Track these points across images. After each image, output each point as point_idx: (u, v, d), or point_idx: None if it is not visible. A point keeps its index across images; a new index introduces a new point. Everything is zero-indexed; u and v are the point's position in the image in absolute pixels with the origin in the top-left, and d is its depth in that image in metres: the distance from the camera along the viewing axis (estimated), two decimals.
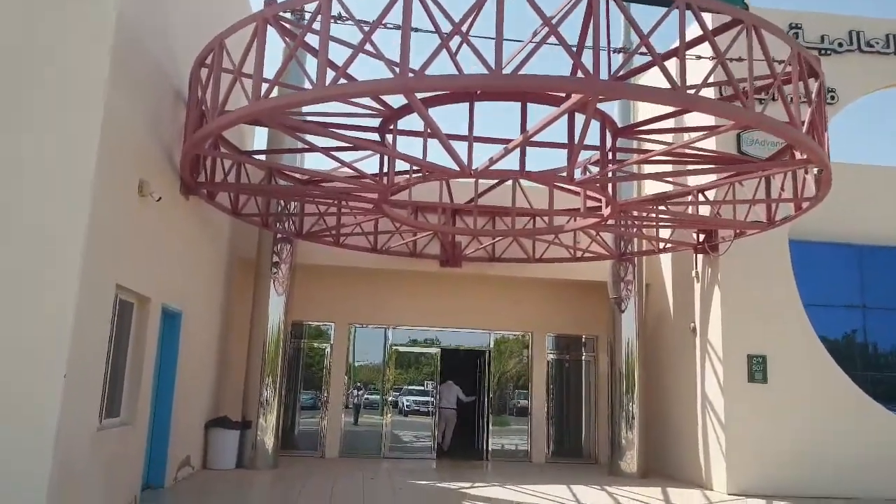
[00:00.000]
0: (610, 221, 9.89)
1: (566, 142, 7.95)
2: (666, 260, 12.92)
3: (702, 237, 11.27)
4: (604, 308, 13.85)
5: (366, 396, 13.90)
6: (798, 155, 7.97)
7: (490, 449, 13.71)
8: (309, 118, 9.36)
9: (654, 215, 10.71)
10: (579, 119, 7.53)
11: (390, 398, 13.79)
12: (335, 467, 11.68)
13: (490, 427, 13.84)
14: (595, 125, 7.95)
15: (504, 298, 14.12)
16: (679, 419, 12.00)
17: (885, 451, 10.56)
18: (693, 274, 11.65)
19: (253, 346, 11.66)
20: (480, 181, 9.96)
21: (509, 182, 9.64)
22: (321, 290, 13.66)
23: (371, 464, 12.33)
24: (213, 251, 11.01)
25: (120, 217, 6.81)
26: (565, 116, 7.49)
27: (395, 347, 13.99)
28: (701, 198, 10.75)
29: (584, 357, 14.38)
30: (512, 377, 14.40)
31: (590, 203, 10.17)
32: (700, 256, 11.54)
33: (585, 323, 14.22)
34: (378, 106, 8.05)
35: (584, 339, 14.41)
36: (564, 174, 8.04)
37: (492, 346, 14.21)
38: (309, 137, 8.78)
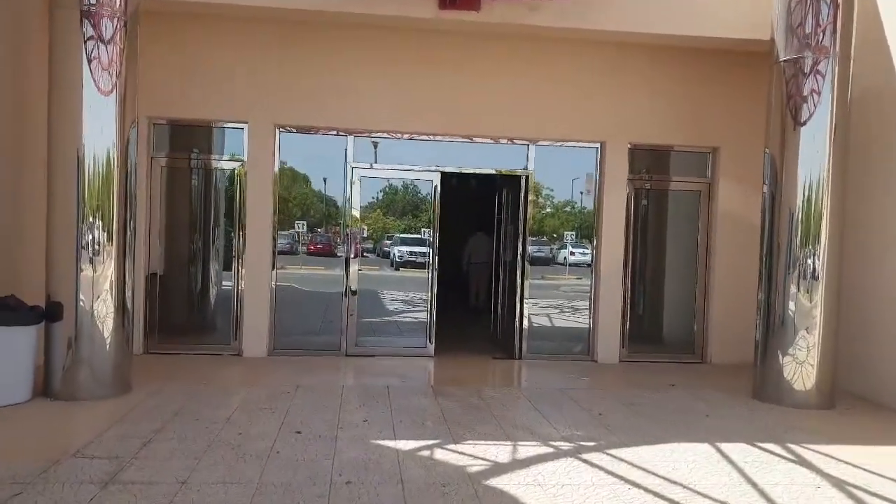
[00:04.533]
0: None
1: None
2: None
3: None
4: (733, 98, 7.82)
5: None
6: None
7: (524, 336, 8.09)
8: None
9: None
10: None
11: (352, 249, 7.97)
12: (246, 389, 6.11)
13: (525, 298, 8.14)
14: None
15: (555, 80, 7.92)
16: None
17: None
18: None
19: (57, 164, 5.62)
20: None
21: None
22: (212, 60, 7.45)
23: (320, 373, 6.80)
24: None
25: None
26: None
27: (355, 169, 7.94)
28: None
29: (684, 185, 8.39)
30: (563, 218, 8.52)
31: None
32: None
33: (696, 126, 8.11)
34: None
35: (688, 155, 8.36)
36: None
37: (532, 165, 8.17)
38: None
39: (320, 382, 6.38)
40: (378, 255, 8.15)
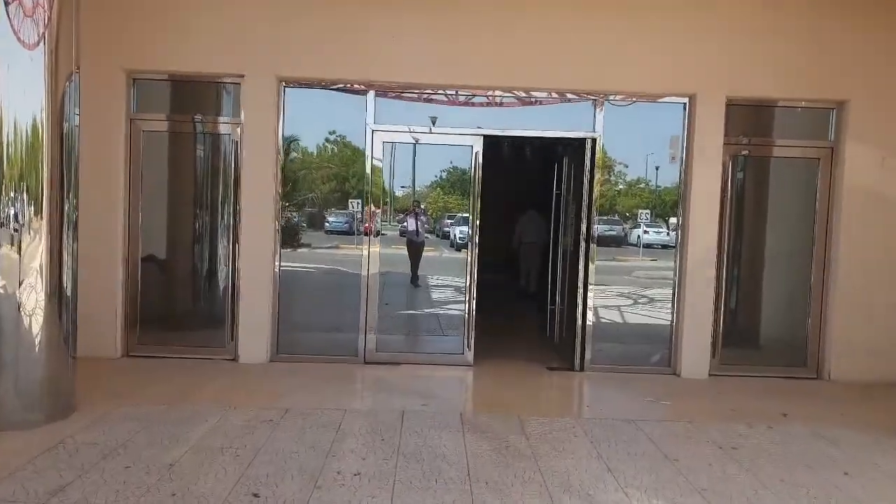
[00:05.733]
0: None
1: None
2: None
3: None
4: (867, 35, 5.94)
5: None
6: None
7: (587, 339, 6.44)
8: None
9: None
10: None
11: (373, 226, 6.50)
12: (220, 413, 4.75)
13: (590, 286, 6.49)
14: None
15: (630, 17, 6.19)
16: None
17: None
18: None
19: None
20: None
21: None
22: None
23: (324, 388, 5.41)
24: None
25: None
26: None
27: (376, 132, 6.42)
28: None
29: (797, 150, 6.53)
30: (639, 194, 6.81)
31: None
32: None
33: (815, 74, 6.23)
34: None
35: (802, 112, 6.50)
36: None
37: (600, 128, 6.47)
38: None
39: (318, 404, 4.96)
40: (438, 236, 7.16)
